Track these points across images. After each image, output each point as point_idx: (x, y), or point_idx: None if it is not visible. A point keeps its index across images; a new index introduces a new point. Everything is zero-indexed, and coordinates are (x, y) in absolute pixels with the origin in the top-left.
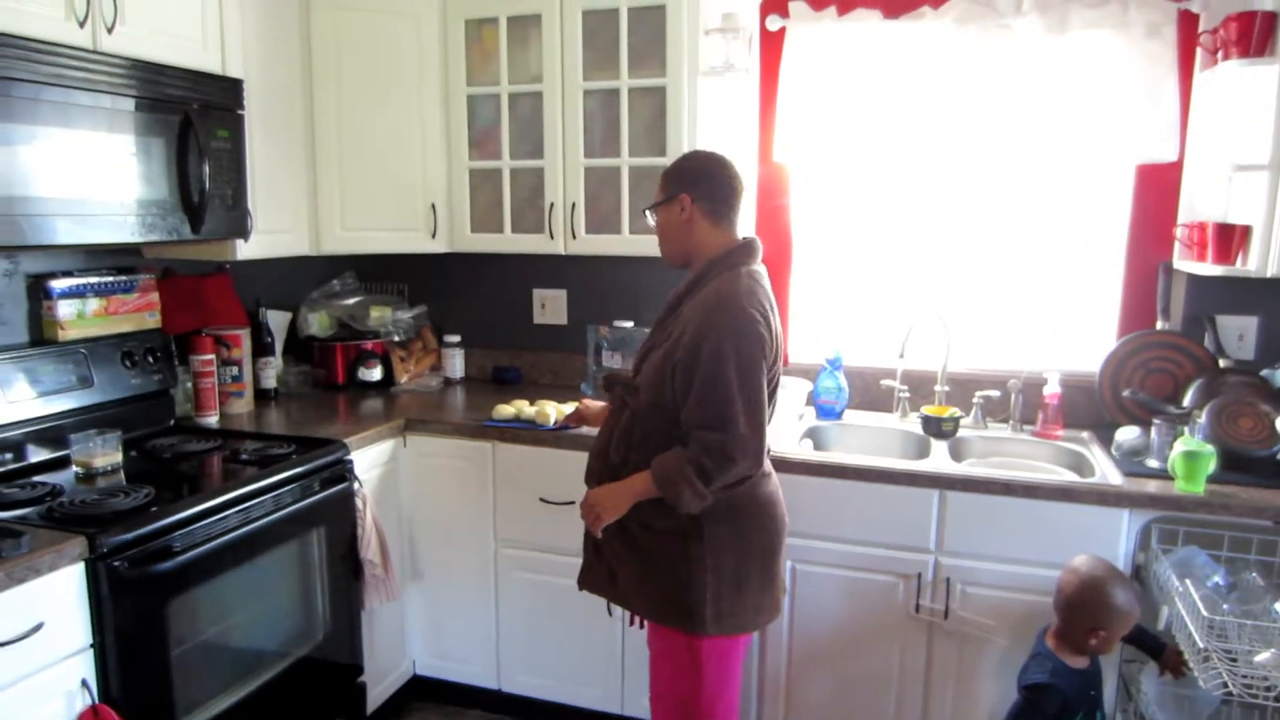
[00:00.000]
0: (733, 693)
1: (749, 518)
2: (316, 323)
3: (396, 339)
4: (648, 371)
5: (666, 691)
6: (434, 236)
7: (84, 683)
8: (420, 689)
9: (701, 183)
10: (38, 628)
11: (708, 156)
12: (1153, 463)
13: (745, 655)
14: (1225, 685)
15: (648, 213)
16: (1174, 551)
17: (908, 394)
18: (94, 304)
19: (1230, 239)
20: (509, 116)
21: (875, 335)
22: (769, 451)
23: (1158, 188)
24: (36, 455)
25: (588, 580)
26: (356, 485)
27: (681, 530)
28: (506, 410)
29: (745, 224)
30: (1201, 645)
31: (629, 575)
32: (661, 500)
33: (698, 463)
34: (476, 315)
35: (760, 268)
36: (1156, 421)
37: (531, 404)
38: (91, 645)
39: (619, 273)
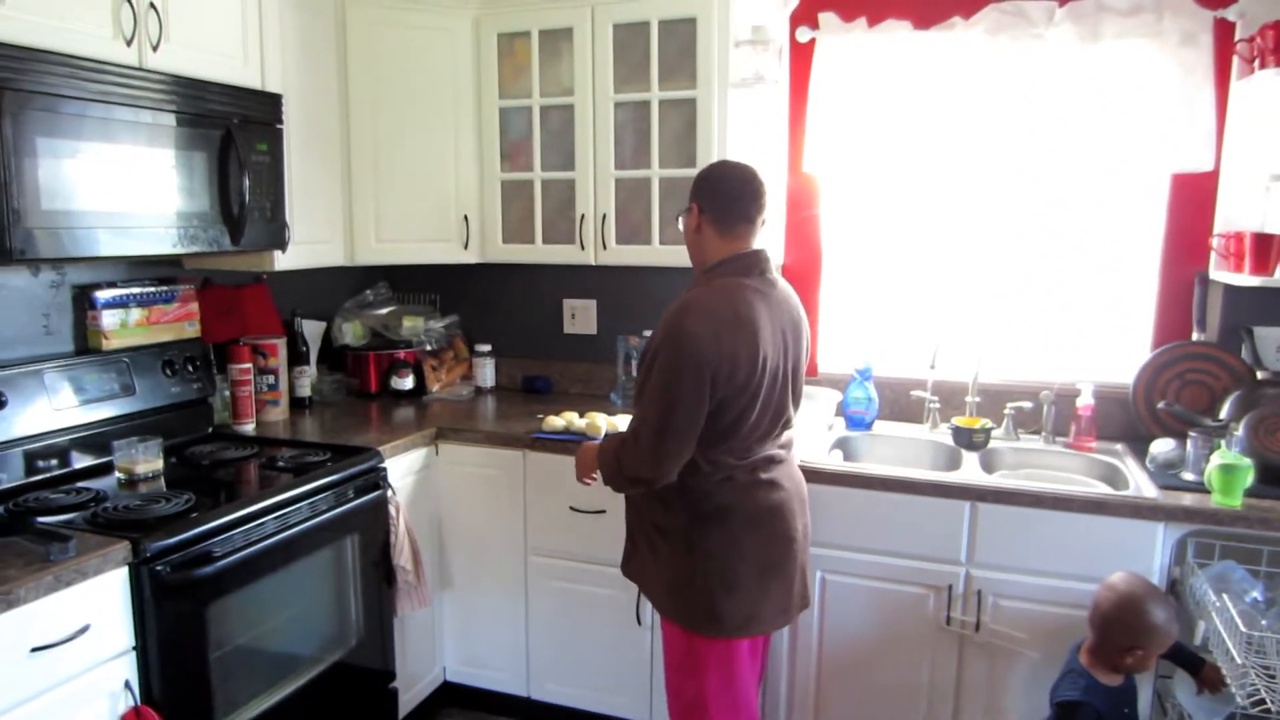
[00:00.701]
0: (742, 697)
1: (744, 525)
2: (350, 332)
3: (429, 348)
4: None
5: (676, 689)
6: (466, 247)
7: (127, 684)
8: (450, 695)
9: (707, 192)
10: (84, 629)
11: (723, 166)
12: (1188, 476)
13: (753, 661)
14: (1263, 701)
15: (679, 220)
16: (1210, 566)
17: (938, 405)
18: (136, 314)
19: (1268, 249)
20: (540, 128)
21: (906, 346)
22: (778, 461)
23: (1193, 197)
24: (81, 461)
25: (627, 568)
26: (390, 493)
27: (677, 529)
28: (557, 422)
29: (766, 235)
30: (1239, 661)
31: (649, 567)
32: (663, 498)
33: (615, 448)
34: (507, 325)
35: (757, 280)
36: (1192, 434)
37: (581, 415)
38: (134, 647)
39: (649, 283)
